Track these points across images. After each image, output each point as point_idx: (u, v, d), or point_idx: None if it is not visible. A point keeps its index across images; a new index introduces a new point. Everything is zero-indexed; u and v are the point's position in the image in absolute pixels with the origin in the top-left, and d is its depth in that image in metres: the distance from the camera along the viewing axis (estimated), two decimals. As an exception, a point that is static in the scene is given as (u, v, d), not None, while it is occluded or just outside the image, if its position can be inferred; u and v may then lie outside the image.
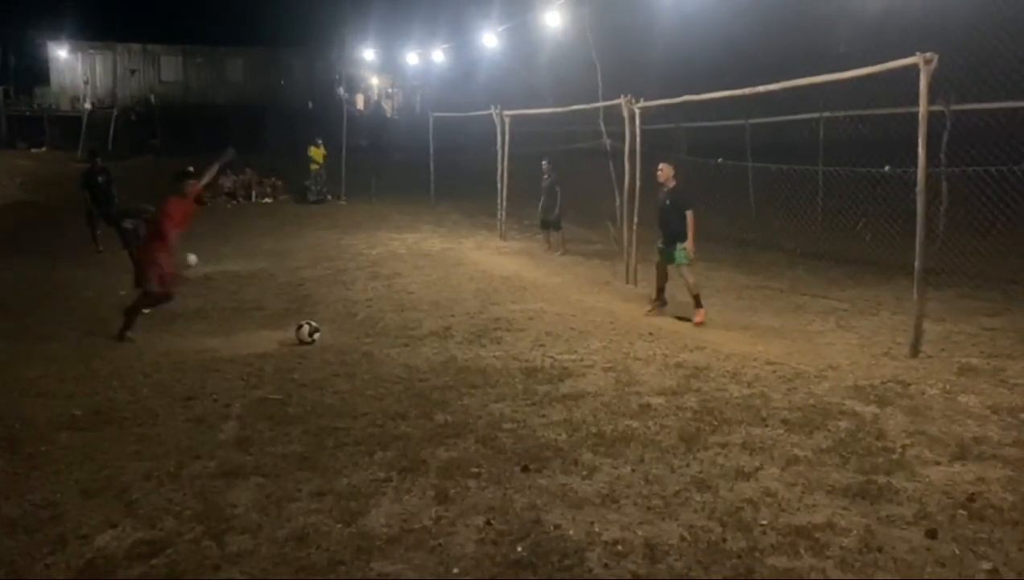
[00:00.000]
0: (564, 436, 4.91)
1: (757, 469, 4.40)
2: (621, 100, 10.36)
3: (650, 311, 8.46)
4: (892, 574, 3.36)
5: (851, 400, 5.55)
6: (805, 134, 14.13)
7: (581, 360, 6.63)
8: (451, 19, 25.91)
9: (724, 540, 3.62)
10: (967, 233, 9.78)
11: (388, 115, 41.91)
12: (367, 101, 42.87)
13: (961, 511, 3.87)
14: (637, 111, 10.15)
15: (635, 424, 5.10)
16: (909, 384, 5.88)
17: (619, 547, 3.56)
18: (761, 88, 8.45)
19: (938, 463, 4.46)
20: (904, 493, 4.07)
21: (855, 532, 3.68)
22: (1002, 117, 9.95)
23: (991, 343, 7.18)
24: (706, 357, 6.71)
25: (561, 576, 3.36)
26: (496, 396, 5.69)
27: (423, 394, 5.75)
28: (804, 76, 7.92)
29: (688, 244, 8.12)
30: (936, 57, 6.36)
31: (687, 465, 4.46)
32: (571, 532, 3.70)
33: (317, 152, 21.91)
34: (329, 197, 21.50)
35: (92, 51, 37.91)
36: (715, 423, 5.11)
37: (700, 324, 7.91)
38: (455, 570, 3.41)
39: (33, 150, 31.32)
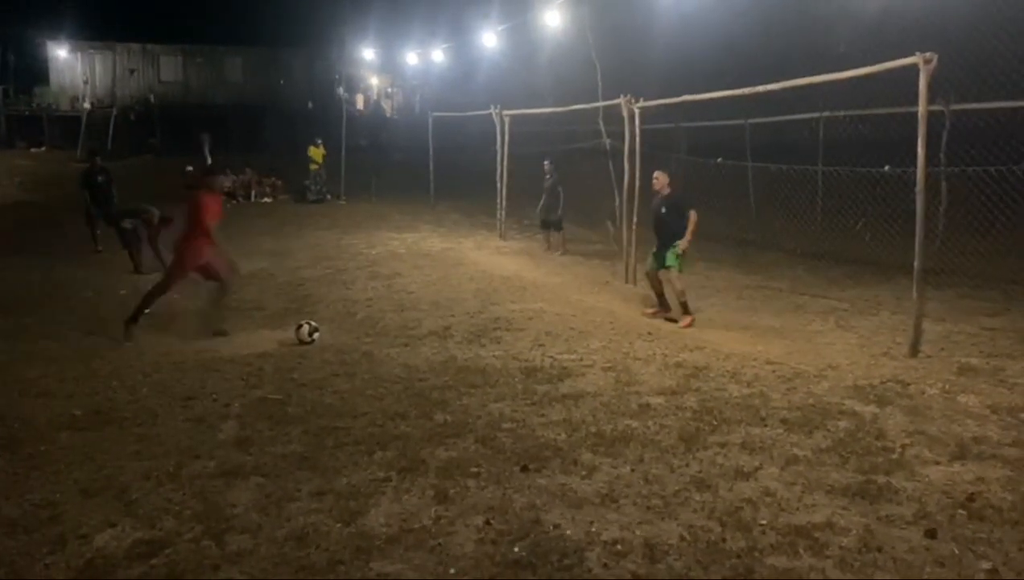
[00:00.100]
0: (563, 436, 4.91)
1: (756, 469, 4.40)
2: (621, 100, 10.37)
3: (653, 314, 8.47)
4: (891, 574, 3.36)
5: (851, 400, 5.55)
6: (805, 134, 14.14)
7: (581, 360, 6.63)
8: (451, 19, 25.95)
9: (724, 540, 3.62)
10: (967, 233, 9.78)
11: (388, 115, 41.94)
12: (367, 101, 42.89)
13: (960, 511, 3.88)
14: (637, 111, 10.16)
15: (635, 424, 5.10)
16: (909, 384, 5.89)
17: (618, 547, 3.57)
18: (761, 88, 8.45)
19: (938, 463, 4.47)
20: (903, 493, 4.07)
21: (854, 532, 3.68)
22: (1002, 117, 9.95)
23: (991, 343, 7.19)
24: (706, 357, 6.71)
25: (560, 576, 3.36)
26: (496, 396, 5.69)
27: (423, 394, 5.75)
28: (803, 76, 7.92)
29: (683, 242, 8.11)
30: (936, 57, 6.37)
31: (686, 465, 4.47)
32: (570, 532, 3.70)
33: (317, 152, 21.93)
34: (329, 197, 21.51)
35: (92, 51, 37.92)
36: (714, 423, 5.12)
37: (688, 326, 7.92)
38: (454, 570, 3.41)
39: (32, 150, 31.32)
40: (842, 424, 5.07)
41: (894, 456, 4.55)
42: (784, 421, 5.13)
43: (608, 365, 6.47)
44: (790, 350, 6.98)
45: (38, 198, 21.40)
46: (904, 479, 4.24)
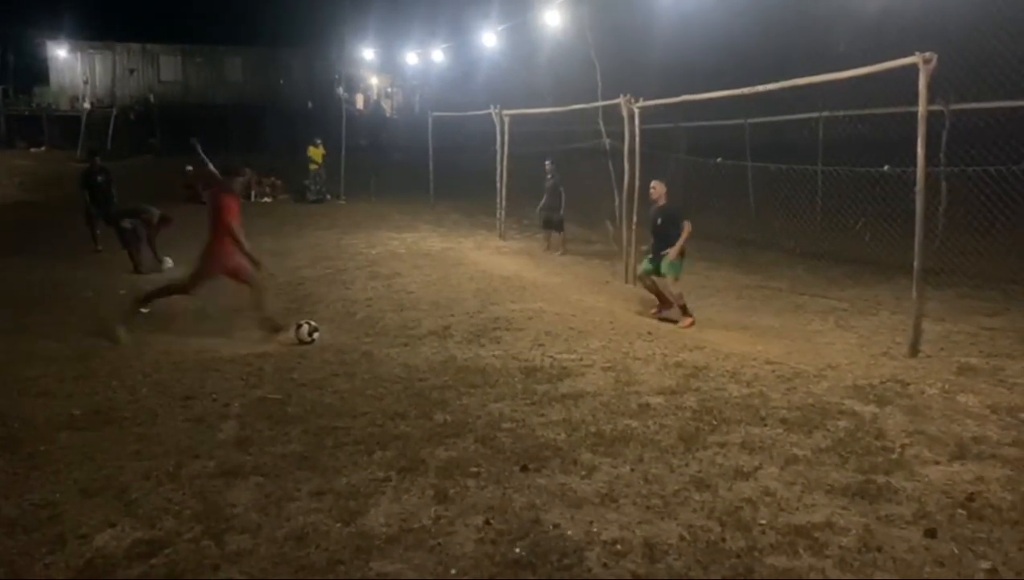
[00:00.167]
0: (563, 436, 4.91)
1: (756, 468, 4.40)
2: (620, 100, 10.37)
3: (657, 312, 8.48)
4: (891, 573, 3.36)
5: (850, 400, 5.55)
6: (804, 134, 14.16)
7: (580, 360, 6.63)
8: (451, 19, 25.92)
9: (723, 539, 3.62)
10: (966, 233, 9.79)
11: (387, 115, 41.93)
12: (366, 101, 42.88)
13: (960, 510, 3.88)
14: (636, 111, 10.16)
15: (634, 423, 5.10)
16: (908, 384, 5.89)
17: (618, 546, 3.57)
18: (760, 88, 8.46)
19: (937, 463, 4.47)
20: (903, 492, 4.08)
21: (854, 531, 3.68)
22: (1001, 117, 9.96)
23: (990, 343, 7.19)
24: (705, 357, 6.71)
25: (560, 576, 3.36)
26: (495, 396, 5.69)
27: (422, 394, 5.75)
28: (803, 76, 7.93)
29: (673, 251, 8.12)
30: (935, 57, 6.37)
31: (686, 464, 4.47)
32: (570, 531, 3.70)
33: (316, 152, 21.92)
34: (328, 197, 21.51)
35: (91, 50, 37.88)
36: (714, 422, 5.12)
37: (689, 326, 7.93)
38: (454, 570, 3.41)
39: (32, 150, 31.30)
40: (842, 424, 5.07)
41: (894, 456, 4.56)
42: (784, 421, 5.13)
43: (608, 365, 6.47)
44: (790, 350, 6.98)
45: (38, 198, 21.40)
46: (904, 479, 4.24)
